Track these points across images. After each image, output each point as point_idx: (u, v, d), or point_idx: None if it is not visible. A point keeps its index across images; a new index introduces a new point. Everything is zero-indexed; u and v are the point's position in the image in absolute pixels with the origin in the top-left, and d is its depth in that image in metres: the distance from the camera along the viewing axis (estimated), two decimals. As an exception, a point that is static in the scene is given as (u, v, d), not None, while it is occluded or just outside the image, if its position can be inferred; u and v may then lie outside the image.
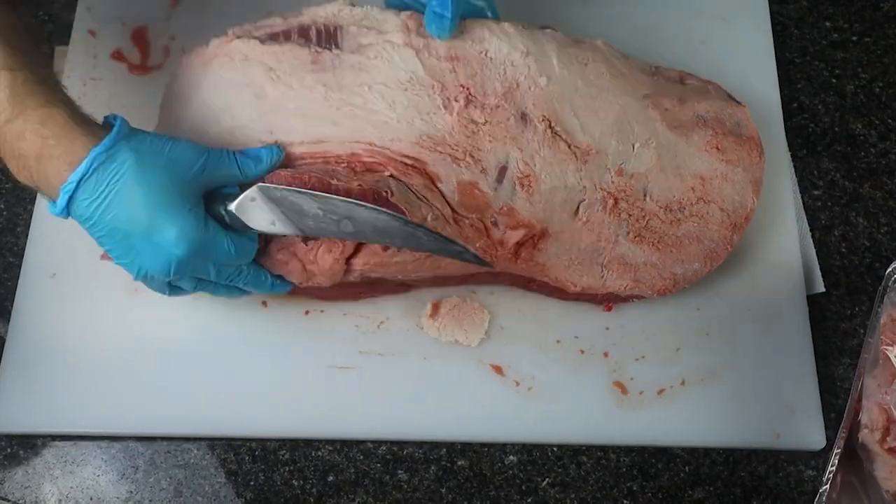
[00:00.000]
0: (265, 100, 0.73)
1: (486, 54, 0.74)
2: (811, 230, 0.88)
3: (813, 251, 0.86)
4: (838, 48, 0.97)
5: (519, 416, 0.79)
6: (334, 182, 0.70)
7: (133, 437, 0.79)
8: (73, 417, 0.78)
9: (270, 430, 0.79)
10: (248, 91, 0.73)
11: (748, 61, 0.93)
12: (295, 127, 0.73)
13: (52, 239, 0.84)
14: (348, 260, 0.73)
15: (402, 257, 0.73)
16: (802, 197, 0.90)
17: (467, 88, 0.73)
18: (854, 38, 0.98)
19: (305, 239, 0.72)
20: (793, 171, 0.90)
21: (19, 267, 0.84)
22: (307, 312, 0.82)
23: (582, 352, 0.81)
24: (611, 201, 0.77)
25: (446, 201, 0.74)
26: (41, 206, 0.85)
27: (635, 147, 0.77)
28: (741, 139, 0.81)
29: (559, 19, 0.88)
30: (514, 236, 0.75)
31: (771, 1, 0.97)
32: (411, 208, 0.71)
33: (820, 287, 0.85)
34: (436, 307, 0.82)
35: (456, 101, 0.73)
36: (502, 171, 0.74)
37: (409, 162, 0.73)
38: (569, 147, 0.75)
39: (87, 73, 0.91)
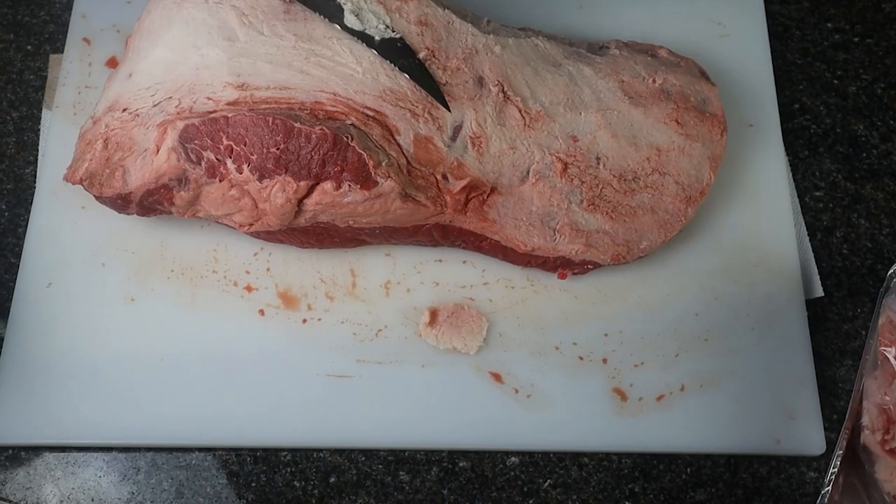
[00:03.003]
0: (235, 43, 0.76)
1: (450, 24, 0.80)
2: (813, 232, 0.88)
3: (811, 256, 0.86)
4: (840, 49, 0.97)
5: (518, 424, 0.78)
6: (297, 125, 0.73)
7: (130, 448, 0.79)
8: (70, 428, 0.78)
9: (268, 439, 0.78)
10: (218, 33, 0.76)
11: (745, 65, 0.93)
12: (262, 72, 0.76)
13: (48, 248, 0.84)
14: (301, 200, 0.75)
15: (352, 197, 0.75)
16: (804, 198, 0.89)
17: (432, 51, 0.78)
18: (856, 40, 0.97)
19: (261, 176, 0.74)
20: (791, 175, 0.89)
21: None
22: (304, 321, 0.81)
23: (581, 358, 0.81)
24: (560, 166, 0.79)
25: (402, 153, 0.77)
26: (38, 214, 0.85)
27: (583, 114, 0.80)
28: (703, 115, 0.83)
29: (554, 25, 0.88)
30: (460, 184, 0.77)
31: (772, 2, 0.97)
32: (370, 153, 0.74)
33: (819, 292, 0.84)
34: (434, 314, 0.81)
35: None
36: (457, 129, 0.78)
37: (370, 113, 0.76)
38: (519, 112, 0.79)
39: (81, 80, 0.91)
